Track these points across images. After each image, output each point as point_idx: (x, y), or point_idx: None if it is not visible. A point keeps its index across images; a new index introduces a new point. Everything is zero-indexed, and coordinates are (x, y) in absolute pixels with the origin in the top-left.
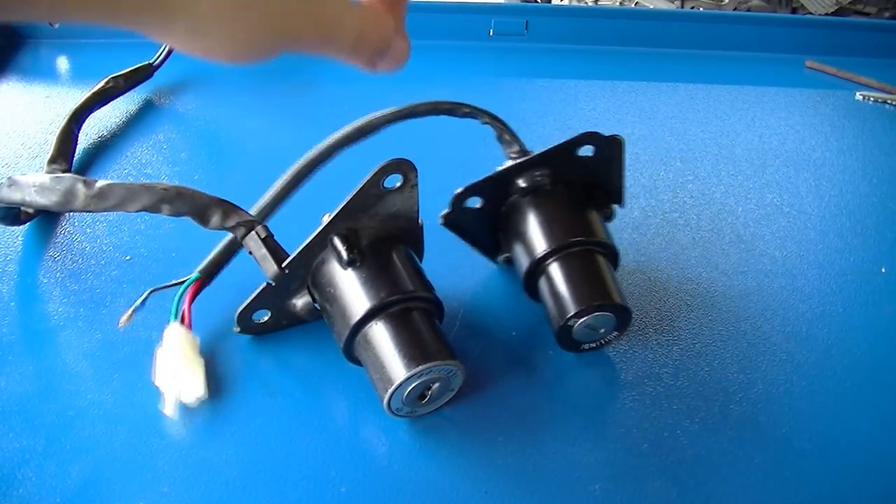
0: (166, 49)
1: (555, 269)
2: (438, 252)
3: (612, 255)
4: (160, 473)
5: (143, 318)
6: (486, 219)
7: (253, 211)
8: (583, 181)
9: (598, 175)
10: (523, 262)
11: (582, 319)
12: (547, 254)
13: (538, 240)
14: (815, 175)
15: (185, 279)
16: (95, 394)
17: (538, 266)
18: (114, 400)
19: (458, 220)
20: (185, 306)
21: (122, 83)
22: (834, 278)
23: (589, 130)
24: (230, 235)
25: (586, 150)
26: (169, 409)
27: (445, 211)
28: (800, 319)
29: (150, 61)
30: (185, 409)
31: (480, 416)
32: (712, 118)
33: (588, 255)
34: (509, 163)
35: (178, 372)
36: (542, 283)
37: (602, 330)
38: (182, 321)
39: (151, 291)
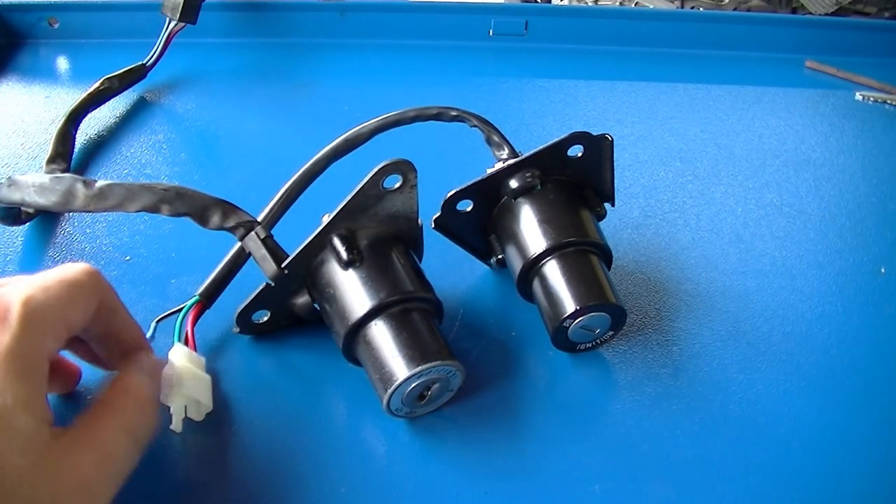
0: (159, 49)
1: (548, 271)
2: (438, 252)
3: (606, 255)
4: (159, 473)
5: (144, 318)
6: (478, 221)
7: None
8: (574, 181)
9: (589, 174)
10: (516, 264)
11: (577, 320)
12: (540, 255)
13: (531, 241)
14: (815, 175)
15: (185, 304)
16: (95, 394)
17: (532, 268)
18: None
19: (449, 224)
20: (188, 329)
21: (117, 84)
22: (834, 278)
23: (578, 130)
24: (230, 255)
25: (576, 150)
26: (176, 425)
27: (436, 215)
28: (800, 319)
29: (144, 62)
30: (190, 422)
31: (480, 417)
32: (712, 118)
33: (581, 255)
34: (499, 165)
35: (185, 391)
36: (536, 285)
37: (597, 330)
38: (186, 343)
39: (157, 322)
